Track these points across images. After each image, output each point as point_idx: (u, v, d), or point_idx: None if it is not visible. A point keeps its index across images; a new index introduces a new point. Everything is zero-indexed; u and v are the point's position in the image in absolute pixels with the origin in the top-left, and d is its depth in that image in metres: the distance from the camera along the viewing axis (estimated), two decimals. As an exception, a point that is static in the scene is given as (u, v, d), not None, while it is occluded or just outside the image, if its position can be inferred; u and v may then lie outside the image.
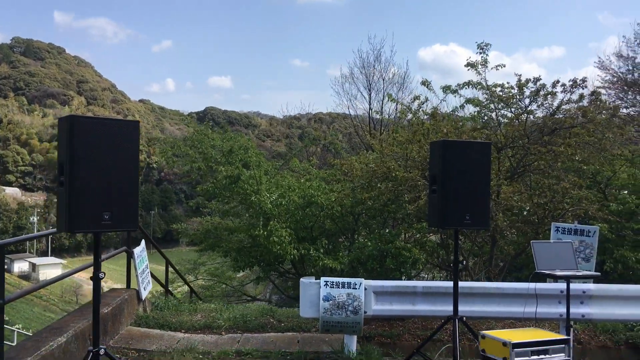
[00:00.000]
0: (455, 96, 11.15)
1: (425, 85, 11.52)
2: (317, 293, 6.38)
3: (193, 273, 18.17)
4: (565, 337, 5.17)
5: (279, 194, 12.09)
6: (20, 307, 37.05)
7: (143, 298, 8.04)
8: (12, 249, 65.75)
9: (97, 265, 4.46)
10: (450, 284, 6.18)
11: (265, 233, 11.17)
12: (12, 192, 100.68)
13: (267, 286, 23.36)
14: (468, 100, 11.34)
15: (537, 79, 9.04)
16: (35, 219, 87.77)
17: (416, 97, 13.70)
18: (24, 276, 65.75)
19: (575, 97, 8.97)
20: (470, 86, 10.44)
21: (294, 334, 7.36)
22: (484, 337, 5.06)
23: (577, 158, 8.73)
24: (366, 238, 10.93)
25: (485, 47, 10.04)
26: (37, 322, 35.11)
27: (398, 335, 7.34)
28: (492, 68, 10.04)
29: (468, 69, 10.17)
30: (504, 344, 4.76)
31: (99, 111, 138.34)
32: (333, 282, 6.41)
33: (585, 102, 9.09)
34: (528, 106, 9.24)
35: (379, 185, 9.19)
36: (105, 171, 4.23)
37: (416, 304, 6.63)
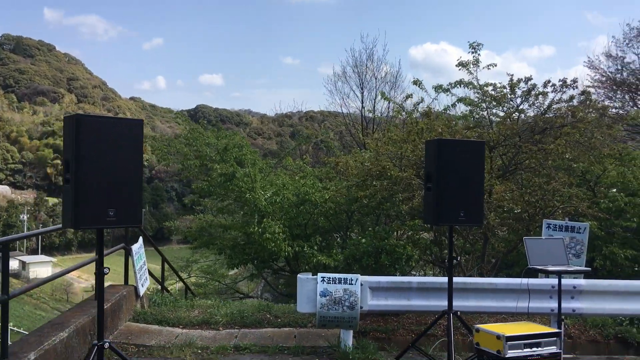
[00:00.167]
0: (447, 95, 11.32)
1: (416, 85, 11.66)
2: (314, 289, 6.50)
3: (186, 270, 18.25)
4: (557, 330, 5.32)
5: (274, 191, 12.22)
6: (11, 305, 36.76)
7: (141, 294, 8.13)
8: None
9: (100, 261, 4.56)
10: (445, 279, 6.32)
11: (260, 230, 11.29)
12: (2, 190, 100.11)
13: (259, 284, 23.49)
14: (460, 99, 11.50)
15: (528, 79, 9.21)
16: (26, 216, 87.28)
17: (408, 96, 13.90)
18: (14, 274, 65.34)
19: (565, 97, 9.15)
20: (462, 85, 10.60)
21: (290, 329, 7.48)
22: (478, 330, 5.20)
23: (567, 156, 8.91)
24: (359, 235, 11.05)
25: (477, 46, 10.19)
26: (28, 320, 34.99)
27: (393, 330, 7.48)
28: (483, 68, 10.21)
29: (459, 69, 10.33)
30: (498, 337, 4.91)
31: (90, 109, 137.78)
32: (330, 278, 6.53)
33: (575, 102, 9.26)
34: (519, 105, 9.40)
35: (374, 183, 9.31)
36: (110, 169, 4.33)
37: (411, 299, 6.77)
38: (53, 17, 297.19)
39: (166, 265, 10.88)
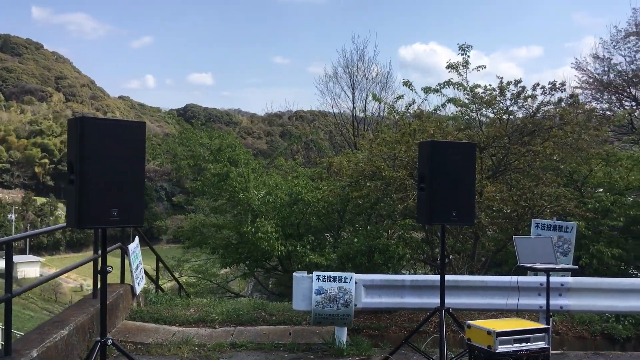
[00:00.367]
0: (438, 95, 11.51)
1: (406, 86, 11.84)
2: (310, 287, 6.64)
3: (177, 270, 18.33)
4: (545, 326, 5.50)
5: (266, 191, 12.34)
6: None
7: (137, 293, 8.23)
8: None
9: (104, 260, 4.67)
10: (437, 277, 6.49)
11: (253, 229, 11.41)
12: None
13: (248, 283, 23.60)
14: (450, 100, 11.69)
15: (518, 82, 9.40)
16: (14, 216, 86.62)
17: (399, 97, 14.10)
18: (1, 274, 64.82)
19: (554, 99, 9.36)
20: (451, 86, 10.78)
21: (285, 326, 7.61)
22: (469, 326, 5.36)
23: (555, 158, 9.11)
24: (351, 234, 11.21)
25: (466, 48, 10.38)
26: (17, 320, 34.81)
27: (386, 328, 7.64)
28: (473, 69, 10.39)
29: (449, 70, 10.51)
30: (489, 332, 5.06)
31: (78, 108, 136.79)
32: (325, 276, 6.68)
33: (563, 104, 9.46)
34: (509, 107, 9.60)
35: (367, 184, 9.46)
36: (113, 169, 4.43)
37: (404, 296, 6.94)
38: (41, 15, 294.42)
39: (162, 264, 10.95)
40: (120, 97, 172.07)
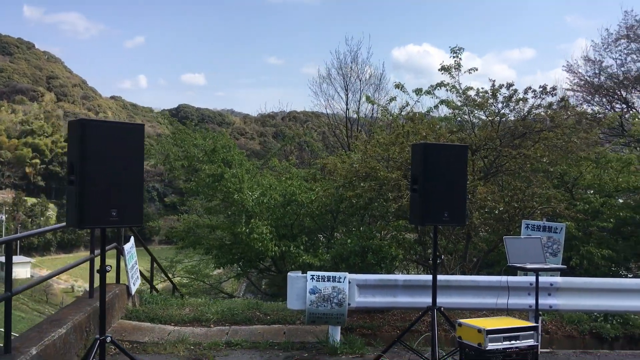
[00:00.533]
0: (431, 97, 11.66)
1: (399, 88, 11.98)
2: (304, 286, 6.75)
3: (170, 271, 18.39)
4: (534, 324, 5.63)
5: (261, 192, 12.44)
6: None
7: (132, 293, 8.30)
8: (-20, 247, 64.39)
9: (103, 259, 4.75)
10: (429, 277, 6.60)
11: (247, 230, 11.50)
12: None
13: (241, 284, 23.69)
14: (442, 102, 11.84)
15: (510, 85, 9.56)
16: (4, 217, 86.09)
17: (392, 99, 14.26)
18: (-4, 277, 64.49)
19: (545, 102, 9.53)
20: (443, 87, 10.94)
21: (280, 326, 7.71)
22: (460, 325, 5.49)
23: (544, 160, 9.27)
24: (345, 235, 11.33)
25: (458, 51, 10.53)
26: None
27: (379, 327, 7.75)
28: (465, 72, 10.55)
29: (442, 73, 10.66)
30: (479, 330, 5.19)
31: (69, 108, 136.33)
32: (319, 275, 6.79)
33: (554, 107, 9.63)
34: (501, 110, 9.75)
35: (361, 184, 9.58)
36: (113, 170, 4.51)
37: (397, 296, 7.05)
38: (33, 14, 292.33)
39: (157, 265, 11.02)
40: (112, 97, 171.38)
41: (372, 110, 22.79)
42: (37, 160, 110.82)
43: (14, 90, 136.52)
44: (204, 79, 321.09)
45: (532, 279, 6.51)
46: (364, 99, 23.23)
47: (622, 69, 20.79)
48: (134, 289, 8.32)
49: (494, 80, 9.73)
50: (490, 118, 9.91)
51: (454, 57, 10.50)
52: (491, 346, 5.14)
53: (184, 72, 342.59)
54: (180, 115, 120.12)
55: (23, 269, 64.54)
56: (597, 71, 21.56)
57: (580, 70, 21.81)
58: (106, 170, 4.47)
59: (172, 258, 18.38)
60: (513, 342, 5.26)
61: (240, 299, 13.04)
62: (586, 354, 7.28)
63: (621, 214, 11.45)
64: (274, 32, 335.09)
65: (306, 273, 6.85)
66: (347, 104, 24.30)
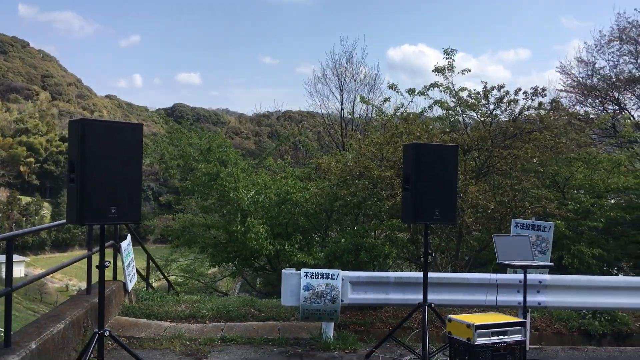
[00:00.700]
0: (424, 98, 11.82)
1: (392, 89, 12.13)
2: (298, 283, 6.88)
3: (165, 269, 18.47)
4: (522, 320, 5.79)
5: (256, 191, 12.56)
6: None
7: (129, 290, 8.42)
8: (-26, 246, 64.20)
9: (102, 255, 4.88)
10: (420, 274, 6.74)
11: (243, 229, 11.62)
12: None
13: (235, 283, 23.78)
14: (436, 102, 12.01)
15: (501, 87, 9.73)
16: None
17: (386, 99, 14.43)
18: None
19: (535, 104, 9.70)
20: (437, 88, 11.11)
21: (274, 322, 7.84)
22: (450, 320, 5.64)
23: (534, 161, 9.44)
24: (339, 234, 11.47)
25: (451, 52, 10.71)
26: (1, 319, 34.63)
27: (371, 323, 7.89)
28: (458, 73, 10.73)
29: (436, 74, 10.84)
30: (468, 326, 5.34)
31: (64, 106, 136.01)
32: (312, 273, 6.93)
33: (545, 109, 9.81)
34: (492, 111, 9.93)
35: (356, 181, 9.71)
36: (112, 169, 4.65)
37: (389, 293, 7.20)
38: (28, 13, 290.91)
39: (153, 263, 11.13)
40: (107, 96, 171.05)
41: (367, 110, 22.99)
42: (32, 159, 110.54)
43: (8, 88, 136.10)
44: (199, 79, 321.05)
45: (521, 276, 6.66)
46: (358, 99, 23.40)
47: (615, 70, 21.01)
48: (130, 286, 8.44)
49: (486, 82, 9.92)
50: (482, 119, 10.08)
51: (447, 58, 10.69)
52: (480, 341, 5.29)
53: (179, 72, 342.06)
54: (175, 114, 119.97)
55: (17, 268, 64.30)
56: (589, 72, 21.78)
57: (573, 72, 22.03)
58: (106, 168, 4.61)
59: (167, 257, 18.46)
60: (501, 337, 5.42)
61: (235, 297, 13.16)
62: (574, 350, 7.44)
63: (611, 214, 11.63)
64: (269, 32, 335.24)
65: (300, 270, 6.99)
66: (342, 104, 24.50)
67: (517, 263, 6.21)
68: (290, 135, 25.48)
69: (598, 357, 7.10)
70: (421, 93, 11.91)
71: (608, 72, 21.20)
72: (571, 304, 7.44)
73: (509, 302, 7.19)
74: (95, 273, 5.81)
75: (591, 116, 19.27)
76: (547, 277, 7.33)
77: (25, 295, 54.82)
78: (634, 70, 20.27)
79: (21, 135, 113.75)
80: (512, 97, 9.66)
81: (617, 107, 21.08)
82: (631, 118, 19.22)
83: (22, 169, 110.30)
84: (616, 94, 21.19)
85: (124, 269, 8.19)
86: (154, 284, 18.17)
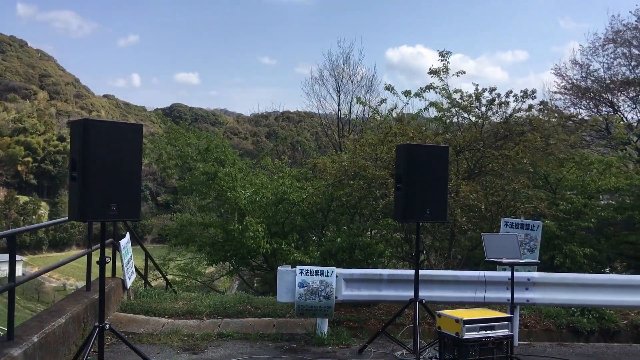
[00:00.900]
0: (421, 100, 12.01)
1: (389, 90, 12.31)
2: (293, 280, 7.06)
3: (162, 269, 18.61)
4: (509, 315, 5.97)
5: (253, 190, 12.72)
6: (-17, 303, 36.61)
7: (128, 286, 8.59)
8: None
9: (102, 251, 5.05)
10: (412, 272, 6.92)
11: (240, 228, 11.78)
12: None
13: (233, 282, 23.94)
14: (431, 104, 12.18)
15: (492, 89, 9.93)
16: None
17: (383, 101, 14.61)
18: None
19: (525, 106, 9.90)
20: (432, 90, 11.30)
21: (270, 319, 8.02)
22: (439, 315, 5.82)
23: (525, 161, 9.64)
24: (335, 233, 11.64)
25: (446, 54, 10.90)
26: (2, 315, 34.75)
27: (365, 320, 8.08)
28: (453, 75, 10.92)
29: (431, 76, 11.03)
30: (457, 320, 5.52)
31: (62, 106, 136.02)
32: (307, 270, 7.11)
33: (535, 111, 10.01)
34: (485, 113, 10.12)
35: (351, 182, 9.89)
36: (112, 167, 4.81)
37: (382, 289, 7.38)
38: (26, 12, 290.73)
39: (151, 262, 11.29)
40: (105, 96, 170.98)
41: (364, 111, 23.16)
42: (30, 159, 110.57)
43: (6, 88, 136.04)
44: (197, 79, 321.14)
45: (510, 274, 6.85)
46: (355, 100, 23.58)
47: (609, 72, 21.19)
48: (129, 283, 8.60)
49: (477, 84, 10.11)
50: (475, 120, 10.27)
51: (442, 60, 10.87)
52: (468, 335, 5.47)
53: (177, 71, 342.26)
54: (173, 114, 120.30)
55: (15, 267, 64.31)
56: (584, 75, 21.96)
57: (568, 74, 22.21)
58: (106, 167, 4.78)
59: (165, 256, 18.62)
60: (489, 331, 5.59)
61: (232, 294, 13.32)
62: (562, 346, 7.62)
63: (603, 214, 11.81)
64: (267, 32, 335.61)
65: (295, 267, 7.16)
66: (339, 105, 24.65)
67: (504, 260, 6.40)
68: (288, 136, 25.66)
69: (585, 353, 7.28)
70: (417, 95, 12.09)
71: (602, 74, 21.40)
72: (559, 301, 7.62)
73: (498, 299, 7.37)
74: (94, 271, 5.99)
75: (585, 117, 19.47)
76: (535, 274, 7.51)
77: (23, 294, 54.94)
78: (627, 73, 20.45)
79: (19, 135, 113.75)
80: (503, 99, 9.85)
81: (611, 109, 21.28)
82: (624, 120, 19.40)
83: (19, 168, 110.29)
84: (610, 96, 21.38)
85: (122, 266, 8.36)
86: (152, 284, 18.36)
